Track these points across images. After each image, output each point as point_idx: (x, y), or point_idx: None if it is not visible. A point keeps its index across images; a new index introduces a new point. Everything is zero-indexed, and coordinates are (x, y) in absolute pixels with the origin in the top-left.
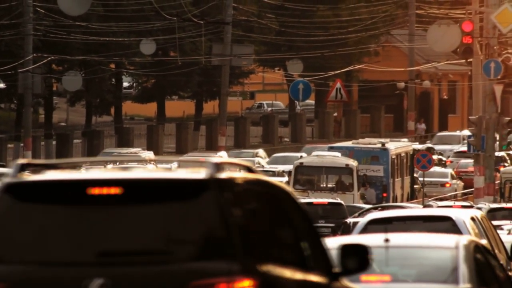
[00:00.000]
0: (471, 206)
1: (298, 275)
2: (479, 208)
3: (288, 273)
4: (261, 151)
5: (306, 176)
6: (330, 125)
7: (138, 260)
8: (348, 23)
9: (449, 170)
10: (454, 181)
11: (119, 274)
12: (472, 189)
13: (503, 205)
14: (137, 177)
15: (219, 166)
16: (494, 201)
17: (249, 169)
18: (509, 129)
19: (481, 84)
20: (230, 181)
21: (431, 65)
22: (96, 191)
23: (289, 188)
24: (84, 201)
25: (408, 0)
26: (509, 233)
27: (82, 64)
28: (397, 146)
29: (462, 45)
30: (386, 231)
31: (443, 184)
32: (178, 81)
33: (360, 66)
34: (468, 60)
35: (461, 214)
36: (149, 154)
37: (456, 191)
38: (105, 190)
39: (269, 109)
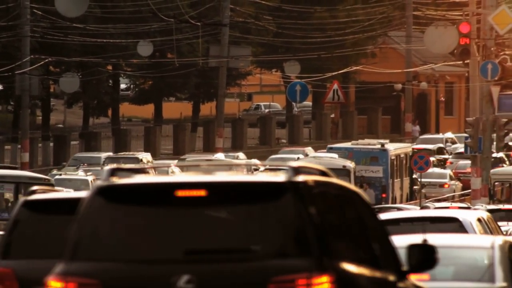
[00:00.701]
0: (468, 208)
1: (370, 272)
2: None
3: (361, 270)
4: (241, 155)
5: None
6: (327, 127)
7: (222, 257)
8: (345, 24)
9: (447, 171)
10: (452, 182)
11: (204, 270)
12: (470, 190)
13: (500, 206)
14: (221, 180)
15: (297, 170)
16: (493, 203)
17: (324, 173)
18: (506, 131)
19: (478, 85)
20: (307, 184)
21: (428, 66)
22: (183, 193)
23: (360, 190)
24: (172, 203)
25: (405, 1)
26: (506, 234)
27: (80, 66)
28: (397, 147)
29: (459, 47)
30: (424, 232)
31: (441, 185)
32: (175, 83)
33: (357, 67)
34: (465, 61)
35: (468, 215)
36: (147, 156)
37: (454, 192)
38: (191, 192)
39: (266, 110)
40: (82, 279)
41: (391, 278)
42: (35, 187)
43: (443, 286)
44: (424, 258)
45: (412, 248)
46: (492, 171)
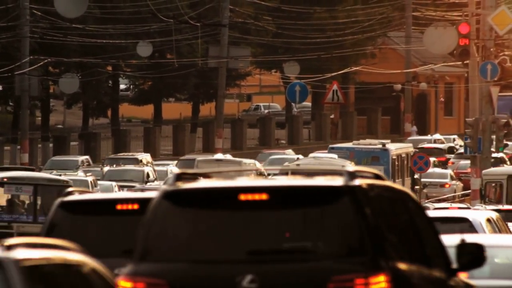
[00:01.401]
0: (467, 208)
1: (423, 271)
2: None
3: (415, 269)
4: (228, 156)
5: None
6: (327, 127)
7: (284, 258)
8: (345, 25)
9: (448, 171)
10: (453, 182)
11: (267, 270)
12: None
13: (500, 206)
14: (282, 185)
15: (353, 174)
16: (485, 203)
17: (378, 177)
18: (505, 131)
19: (478, 86)
20: (362, 188)
21: (427, 67)
22: (246, 197)
23: (412, 193)
24: (235, 206)
25: (404, 2)
26: None
27: (79, 66)
28: (398, 147)
29: (459, 47)
30: (462, 232)
31: (442, 185)
32: (175, 83)
33: (357, 68)
34: (465, 62)
35: (478, 216)
36: (146, 157)
37: (455, 192)
38: (254, 196)
39: (266, 111)
40: (150, 279)
41: (442, 276)
42: (70, 189)
43: (481, 284)
44: (474, 256)
45: (461, 246)
46: (484, 171)
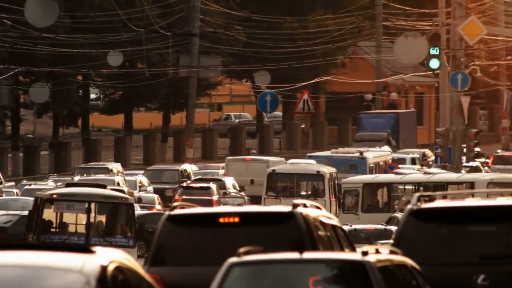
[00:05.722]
0: None
1: None
2: None
3: None
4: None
5: (278, 183)
6: (298, 137)
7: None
8: (315, 35)
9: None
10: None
11: (496, 271)
12: None
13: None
14: (496, 205)
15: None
16: (343, 212)
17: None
18: (476, 141)
19: (448, 96)
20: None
21: (398, 77)
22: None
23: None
24: (472, 221)
25: (375, 12)
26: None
27: (49, 76)
28: (375, 155)
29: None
30: None
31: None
32: (146, 93)
33: (328, 77)
34: (435, 71)
35: None
36: (117, 166)
37: None
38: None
39: (237, 120)
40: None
41: None
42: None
43: None
44: None
45: None
46: (343, 180)
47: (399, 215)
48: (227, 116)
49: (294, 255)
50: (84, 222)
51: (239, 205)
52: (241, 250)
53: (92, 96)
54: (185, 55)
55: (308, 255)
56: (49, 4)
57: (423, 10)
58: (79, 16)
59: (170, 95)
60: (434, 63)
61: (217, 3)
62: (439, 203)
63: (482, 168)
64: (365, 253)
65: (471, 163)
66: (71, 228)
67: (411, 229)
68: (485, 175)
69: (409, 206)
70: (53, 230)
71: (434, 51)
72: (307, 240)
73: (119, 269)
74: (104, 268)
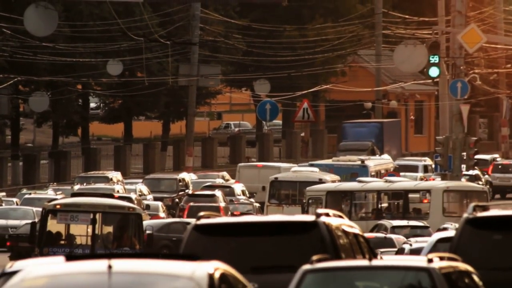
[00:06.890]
0: (427, 227)
1: None
2: (445, 229)
3: None
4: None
5: (280, 191)
6: (298, 145)
7: None
8: (315, 43)
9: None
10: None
11: None
12: None
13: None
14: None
15: None
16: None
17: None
18: (475, 149)
19: (448, 104)
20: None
21: (398, 85)
22: None
23: None
24: None
25: (375, 20)
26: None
27: (49, 85)
28: (377, 163)
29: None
30: None
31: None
32: (145, 102)
33: (327, 86)
34: (435, 80)
35: None
36: (117, 175)
37: None
38: None
39: (236, 129)
40: None
41: None
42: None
43: None
44: None
45: None
46: (307, 188)
47: (385, 222)
48: (227, 124)
49: (364, 262)
50: (89, 234)
51: (248, 211)
52: (314, 257)
53: (92, 105)
54: (185, 63)
55: (376, 262)
56: (49, 13)
57: (423, 19)
58: (78, 25)
59: (169, 104)
60: (433, 71)
61: (217, 12)
62: (492, 212)
63: (482, 176)
64: (430, 260)
65: (470, 172)
66: (77, 240)
67: (467, 237)
68: (440, 183)
69: (465, 215)
70: (57, 241)
71: (433, 59)
72: (330, 249)
73: (224, 275)
74: (211, 275)
